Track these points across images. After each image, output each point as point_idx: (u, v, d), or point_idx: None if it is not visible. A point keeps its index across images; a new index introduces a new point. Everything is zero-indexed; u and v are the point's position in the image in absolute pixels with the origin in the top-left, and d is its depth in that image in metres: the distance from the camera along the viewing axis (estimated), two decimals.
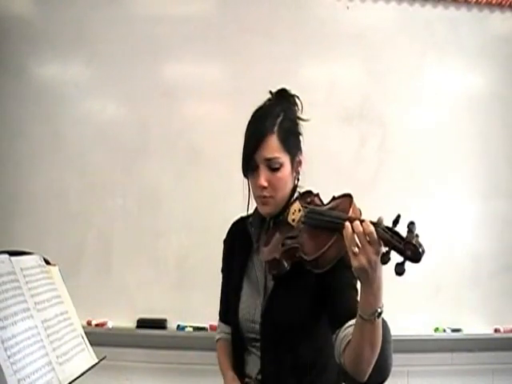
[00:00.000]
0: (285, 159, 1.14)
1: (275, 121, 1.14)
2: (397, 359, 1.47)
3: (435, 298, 2.01)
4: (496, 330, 2.01)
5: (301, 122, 1.23)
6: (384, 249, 0.87)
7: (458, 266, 2.04)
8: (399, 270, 0.84)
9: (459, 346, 2.03)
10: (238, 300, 1.23)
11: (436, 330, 1.99)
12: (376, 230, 0.87)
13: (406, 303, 1.96)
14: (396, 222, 0.87)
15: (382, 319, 1.53)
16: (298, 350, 1.14)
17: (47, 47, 2.05)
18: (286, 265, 1.07)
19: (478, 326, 2.01)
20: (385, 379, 1.43)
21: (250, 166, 1.15)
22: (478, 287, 2.03)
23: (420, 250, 0.81)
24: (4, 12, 2.05)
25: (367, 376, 1.02)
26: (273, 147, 1.12)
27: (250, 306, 1.20)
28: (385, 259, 0.86)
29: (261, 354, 1.18)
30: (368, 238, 0.87)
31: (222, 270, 1.36)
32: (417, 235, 0.83)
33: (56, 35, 2.04)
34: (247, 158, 1.14)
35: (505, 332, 2.00)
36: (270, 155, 1.12)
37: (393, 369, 1.43)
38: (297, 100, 1.23)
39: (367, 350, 0.97)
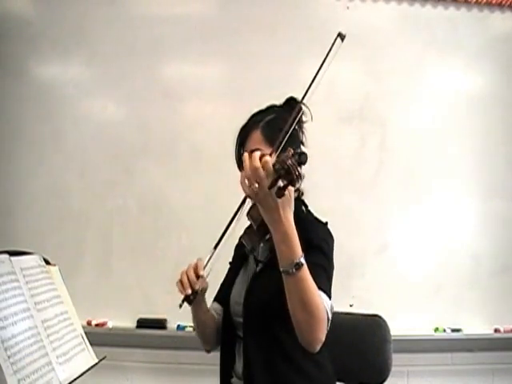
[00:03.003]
0: (268, 152, 1.18)
1: (263, 118, 1.22)
2: (397, 359, 1.47)
3: (435, 298, 2.01)
4: (496, 330, 2.00)
5: (305, 129, 1.26)
6: (280, 183, 0.88)
7: (458, 266, 2.04)
8: (278, 193, 0.88)
9: (459, 346, 2.03)
10: (232, 285, 1.29)
11: (436, 330, 1.99)
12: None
13: (406, 303, 1.97)
14: (294, 155, 0.88)
15: (382, 319, 1.52)
16: (277, 340, 1.13)
17: (47, 47, 2.05)
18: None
19: (477, 326, 2.01)
20: (385, 379, 1.43)
21: (239, 160, 1.23)
22: (478, 287, 2.03)
23: (292, 170, 0.84)
24: (4, 12, 2.06)
25: (316, 345, 0.98)
26: (255, 140, 1.20)
27: (240, 289, 1.25)
28: (279, 193, 0.88)
29: (243, 340, 1.19)
30: (263, 167, 0.91)
31: (230, 262, 1.41)
32: (299, 163, 0.86)
33: (56, 35, 2.04)
34: (236, 152, 1.25)
35: (505, 332, 2.00)
36: (252, 147, 1.19)
37: (393, 369, 1.43)
38: (303, 107, 1.24)
39: (298, 310, 0.95)
